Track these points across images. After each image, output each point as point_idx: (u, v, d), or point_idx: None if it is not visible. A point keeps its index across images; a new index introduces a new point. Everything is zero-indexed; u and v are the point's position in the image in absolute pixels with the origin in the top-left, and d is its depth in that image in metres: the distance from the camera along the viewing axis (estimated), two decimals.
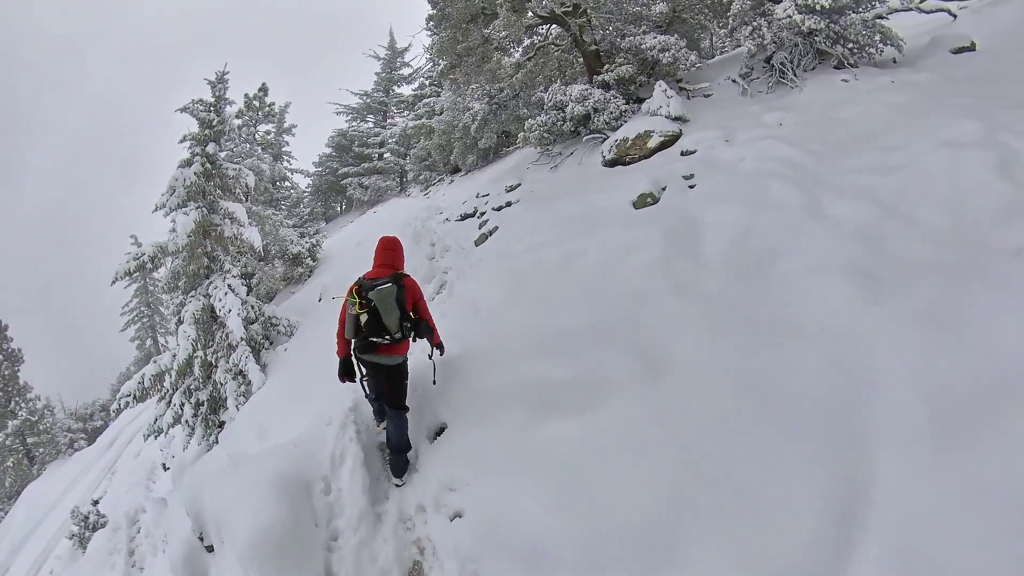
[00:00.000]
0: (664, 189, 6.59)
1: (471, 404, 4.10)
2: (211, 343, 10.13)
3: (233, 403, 9.55)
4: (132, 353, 34.52)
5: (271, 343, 11.08)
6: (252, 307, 10.38)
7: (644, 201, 6.57)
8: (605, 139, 9.53)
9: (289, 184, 26.29)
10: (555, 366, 4.07)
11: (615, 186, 7.21)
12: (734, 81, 9.46)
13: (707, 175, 6.46)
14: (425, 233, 10.48)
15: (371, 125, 32.38)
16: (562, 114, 10.46)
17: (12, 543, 16.66)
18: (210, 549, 4.24)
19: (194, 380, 10.55)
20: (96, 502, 15.04)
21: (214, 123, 10.56)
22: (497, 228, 8.23)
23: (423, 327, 3.97)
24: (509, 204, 9.16)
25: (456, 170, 22.88)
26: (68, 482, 19.37)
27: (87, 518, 12.73)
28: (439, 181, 24.05)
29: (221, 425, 10.43)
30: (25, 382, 24.66)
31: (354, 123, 32.01)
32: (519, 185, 9.95)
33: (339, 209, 33.66)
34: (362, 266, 4.97)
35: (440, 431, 4.16)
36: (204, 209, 10.03)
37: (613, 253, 5.51)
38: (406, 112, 30.97)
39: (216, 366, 10.00)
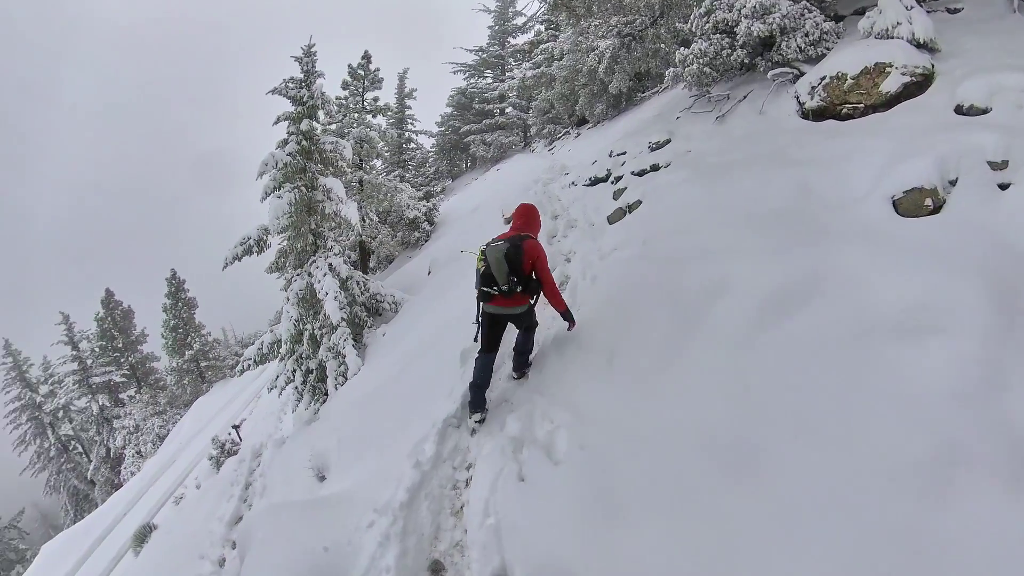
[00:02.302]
0: (954, 183, 3.69)
1: None
2: (318, 317, 9.44)
3: (332, 382, 8.84)
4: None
5: (379, 314, 10.23)
6: (358, 283, 9.44)
7: (918, 204, 3.67)
8: (797, 76, 6.60)
9: (414, 146, 26.17)
10: None
11: (839, 157, 4.48)
12: None
13: None
14: (547, 201, 8.50)
15: (489, 80, 30.57)
16: (730, 39, 7.55)
17: (180, 442, 20.19)
18: None
19: (304, 350, 10.18)
20: (237, 426, 16.65)
21: (305, 99, 9.52)
22: (640, 203, 5.91)
23: (532, 285, 4.07)
24: (655, 168, 6.74)
25: (582, 122, 20.34)
26: (226, 400, 22.46)
27: (223, 445, 14.21)
28: (564, 135, 21.74)
29: (326, 394, 10.03)
30: (200, 321, 28.64)
31: (472, 80, 30.54)
32: (668, 142, 7.39)
33: (464, 167, 32.90)
34: (476, 232, 5.56)
35: None
36: (303, 187, 9.07)
37: (876, 313, 2.99)
38: (524, 63, 28.60)
39: (321, 343, 9.31)
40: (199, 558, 6.89)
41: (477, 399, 4.12)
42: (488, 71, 31.08)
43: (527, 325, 4.24)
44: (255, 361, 10.84)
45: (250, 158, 9.98)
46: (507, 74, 30.41)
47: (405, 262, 14.70)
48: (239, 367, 11.14)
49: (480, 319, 4.17)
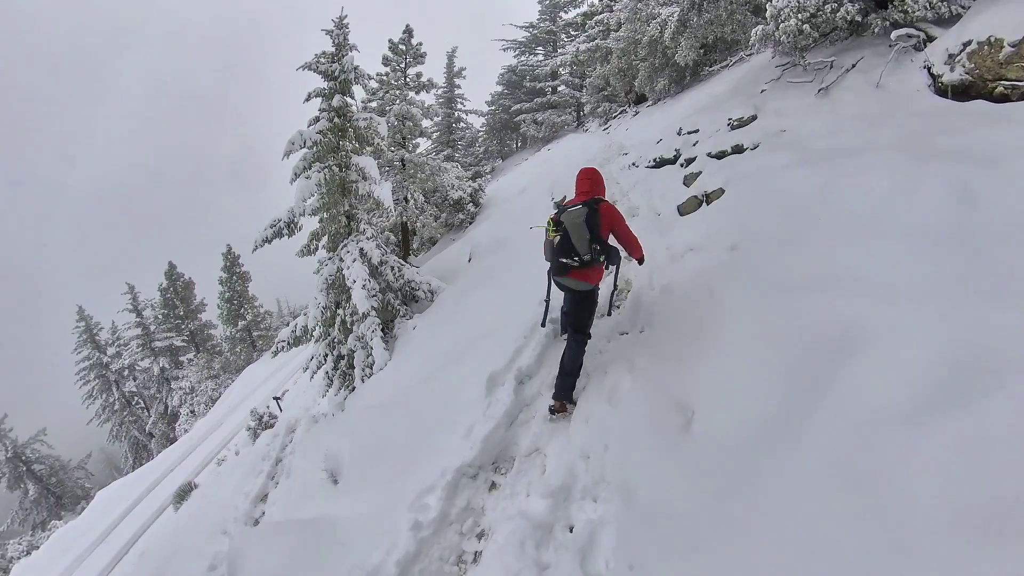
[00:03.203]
0: None
1: None
2: (347, 305, 8.88)
3: (359, 373, 8.28)
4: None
5: (415, 301, 9.55)
6: (392, 268, 8.73)
7: None
8: (924, 41, 5.24)
9: (464, 125, 25.37)
10: None
11: (1011, 153, 3.20)
12: None
13: None
14: (606, 184, 7.52)
15: (540, 57, 29.04)
16: None
17: (228, 406, 21.24)
18: None
19: (337, 335, 9.73)
20: (279, 397, 17.12)
21: (337, 73, 8.73)
22: (723, 192, 4.80)
23: (613, 254, 3.67)
24: (739, 150, 5.56)
25: (641, 99, 18.80)
26: (273, 369, 23.36)
27: (261, 418, 14.56)
28: (620, 113, 20.29)
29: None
30: (253, 294, 29.76)
31: (522, 57, 29.10)
32: (753, 119, 6.13)
33: (515, 147, 31.83)
34: (521, 216, 5.12)
35: None
36: (335, 167, 8.36)
37: None
38: (577, 37, 26.91)
39: (351, 329, 8.76)
40: (221, 533, 6.83)
41: (565, 386, 3.61)
42: (539, 48, 29.66)
43: (585, 313, 3.76)
44: (288, 344, 10.52)
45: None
46: (559, 50, 28.91)
47: (448, 244, 13.97)
48: (273, 348, 10.93)
49: (550, 298, 3.96)
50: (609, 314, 4.35)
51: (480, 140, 29.82)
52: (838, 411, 2.29)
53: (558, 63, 26.31)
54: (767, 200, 4.13)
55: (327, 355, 10.06)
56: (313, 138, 8.47)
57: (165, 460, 18.81)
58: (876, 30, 5.94)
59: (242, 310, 28.75)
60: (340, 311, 9.12)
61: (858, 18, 6.04)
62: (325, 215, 8.62)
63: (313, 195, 8.04)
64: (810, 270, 3.14)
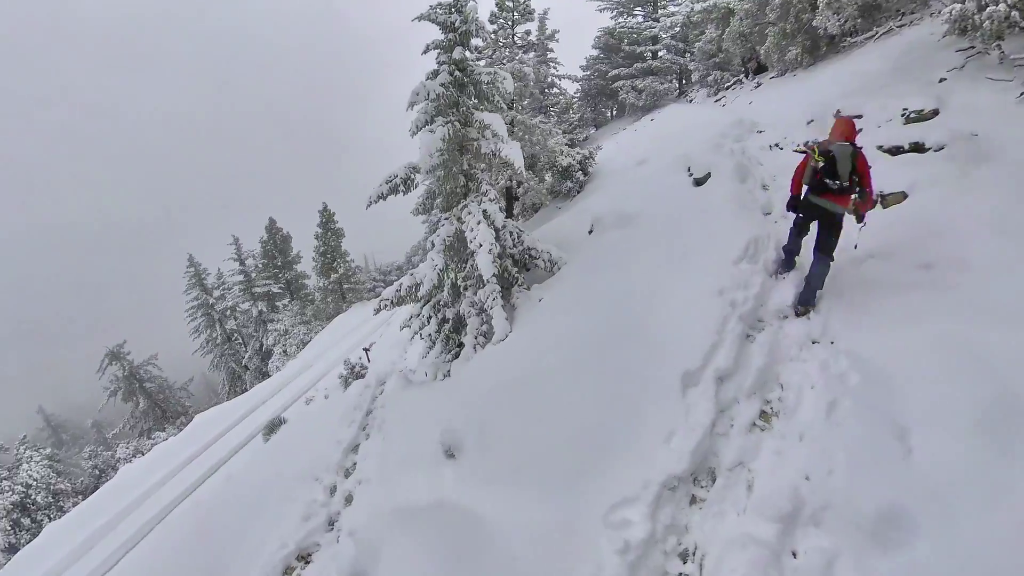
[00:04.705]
0: None
1: None
2: (463, 268, 8.89)
3: (471, 341, 8.19)
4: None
5: (527, 271, 9.39)
6: (511, 233, 8.52)
7: None
8: None
9: (557, 91, 24.55)
10: None
11: None
12: None
13: None
14: (749, 164, 6.87)
15: (639, 19, 27.00)
16: None
17: (317, 351, 23.36)
18: None
19: (444, 298, 9.81)
20: (367, 348, 18.28)
21: (456, 24, 8.22)
22: (905, 196, 4.17)
23: (864, 192, 4.32)
24: (919, 148, 4.76)
25: (761, 69, 17.14)
26: (360, 320, 25.29)
27: (353, 368, 15.27)
28: (735, 84, 18.59)
29: (460, 346, 9.65)
30: (345, 249, 31.82)
31: (620, 19, 27.08)
32: (935, 113, 5.18)
33: (609, 115, 30.44)
34: (643, 187, 4.86)
35: None
36: (456, 123, 8.02)
37: None
38: None
39: (464, 295, 8.78)
40: (314, 479, 7.02)
41: (809, 297, 4.39)
42: (638, 8, 27.44)
43: (832, 236, 4.39)
44: (392, 302, 10.63)
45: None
46: (659, 12, 26.91)
47: (554, 213, 13.53)
48: (376, 305, 11.16)
49: (799, 214, 4.73)
50: (856, 247, 4.67)
51: (575, 107, 28.82)
52: None
53: (663, 27, 24.61)
54: (970, 220, 3.51)
55: (431, 317, 10.13)
56: (436, 91, 8.13)
57: (258, 393, 20.72)
58: None
59: (335, 263, 31.01)
60: (452, 274, 9.20)
61: None
62: (442, 173, 8.38)
63: (438, 150, 7.81)
64: None
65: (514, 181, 12.99)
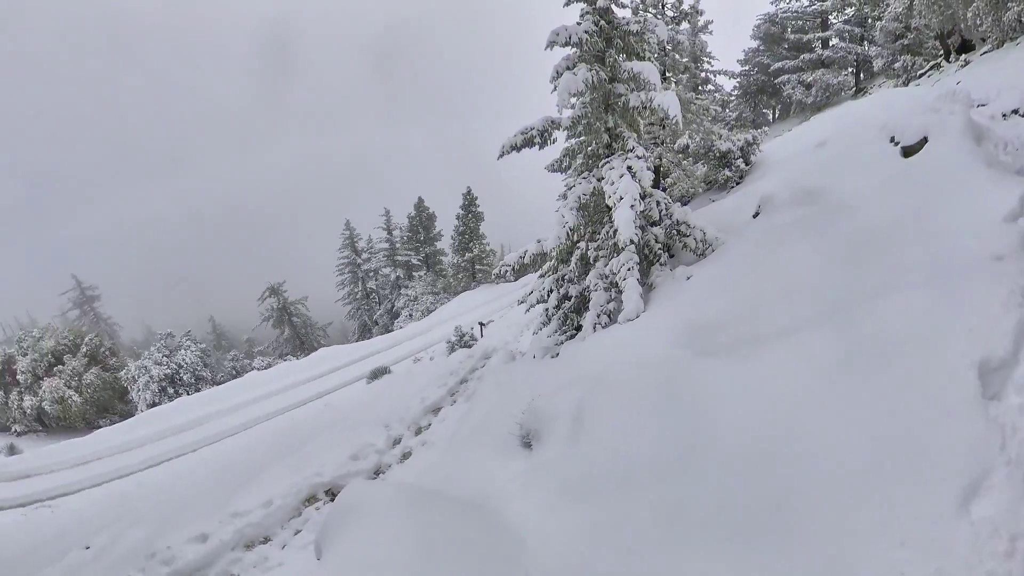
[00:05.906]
0: None
1: None
2: (596, 236, 7.88)
3: (592, 318, 7.08)
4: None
5: (671, 255, 8.16)
6: (659, 202, 7.38)
7: None
8: None
9: (712, 87, 21.93)
10: None
11: None
12: None
13: None
14: (984, 127, 5.04)
15: (805, 3, 23.06)
16: None
17: (439, 319, 25.86)
18: None
19: (569, 272, 8.93)
20: (484, 324, 18.93)
21: None
22: None
23: None
24: None
25: (965, 47, 13.38)
26: (484, 300, 27.15)
27: (462, 336, 16.06)
28: (930, 69, 14.86)
29: (578, 328, 8.71)
30: (483, 232, 33.67)
31: (783, 4, 23.39)
32: None
33: (771, 116, 26.86)
34: (822, 171, 4.16)
35: None
36: (600, 74, 6.98)
37: None
38: None
39: (594, 265, 7.77)
40: (383, 426, 6.94)
41: None
42: None
43: None
44: (513, 269, 9.94)
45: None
46: None
47: (705, 204, 11.98)
48: (497, 269, 10.63)
49: None
50: None
51: (731, 105, 25.56)
52: None
53: (832, 5, 20.46)
54: None
55: (552, 291, 9.27)
56: (580, 36, 7.13)
57: (377, 343, 23.50)
58: None
59: (471, 244, 32.81)
60: (583, 244, 8.28)
61: None
62: (583, 127, 7.41)
63: (581, 92, 6.87)
64: None
65: (663, 159, 11.56)
